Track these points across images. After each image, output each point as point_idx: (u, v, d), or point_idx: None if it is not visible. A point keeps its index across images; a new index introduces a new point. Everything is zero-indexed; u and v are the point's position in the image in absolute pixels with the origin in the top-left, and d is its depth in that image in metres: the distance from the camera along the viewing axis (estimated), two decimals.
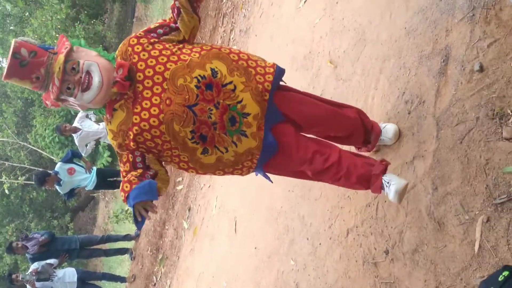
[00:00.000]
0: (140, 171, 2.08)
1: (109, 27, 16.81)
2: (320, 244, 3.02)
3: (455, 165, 2.11)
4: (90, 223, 15.38)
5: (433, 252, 2.14)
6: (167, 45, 2.04)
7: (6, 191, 13.92)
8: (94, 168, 7.09)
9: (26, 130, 17.38)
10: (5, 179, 13.82)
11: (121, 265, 9.93)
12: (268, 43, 4.55)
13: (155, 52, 2.00)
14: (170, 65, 1.98)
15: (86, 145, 6.99)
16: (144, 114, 1.98)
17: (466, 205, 2.01)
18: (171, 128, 1.99)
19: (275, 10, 4.62)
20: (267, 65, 2.14)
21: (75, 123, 6.92)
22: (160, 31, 2.09)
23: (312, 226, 3.15)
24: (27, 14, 15.01)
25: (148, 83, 1.98)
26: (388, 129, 2.48)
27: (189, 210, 6.32)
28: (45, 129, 14.94)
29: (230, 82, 2.01)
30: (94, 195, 15.66)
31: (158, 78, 1.97)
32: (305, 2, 3.89)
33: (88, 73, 1.96)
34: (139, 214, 2.02)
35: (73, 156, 6.79)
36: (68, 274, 6.67)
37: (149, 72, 1.98)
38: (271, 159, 2.17)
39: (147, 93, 1.98)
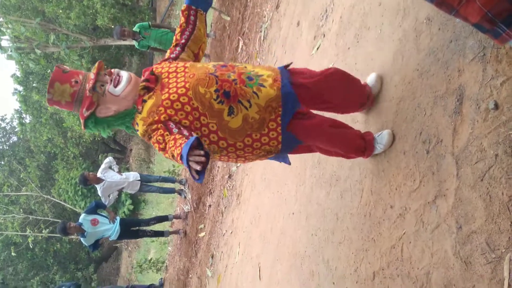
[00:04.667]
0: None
1: None
2: None
3: (478, 203, 2.10)
4: (114, 273, 15.35)
5: None
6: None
7: (31, 245, 14.04)
8: (118, 217, 7.16)
9: (50, 183, 17.72)
10: (29, 232, 13.98)
11: None
12: None
13: (173, 63, 2.45)
14: (188, 63, 2.42)
15: (109, 196, 7.09)
16: (172, 89, 2.29)
17: (492, 243, 1.99)
18: (197, 91, 2.25)
19: (288, 57, 4.74)
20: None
21: (99, 174, 7.05)
22: (173, 55, 2.53)
23: (338, 270, 3.12)
24: (49, 71, 15.59)
25: (172, 74, 2.36)
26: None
27: (212, 257, 6.30)
28: (68, 183, 15.20)
29: (241, 65, 2.44)
30: (117, 245, 15.70)
31: (179, 69, 2.37)
32: (317, 48, 3.99)
33: (119, 74, 2.35)
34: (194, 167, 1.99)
35: (97, 207, 6.88)
36: None
37: (171, 68, 2.39)
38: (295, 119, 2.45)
39: (172, 79, 2.34)
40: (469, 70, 2.29)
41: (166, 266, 8.73)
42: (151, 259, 9.03)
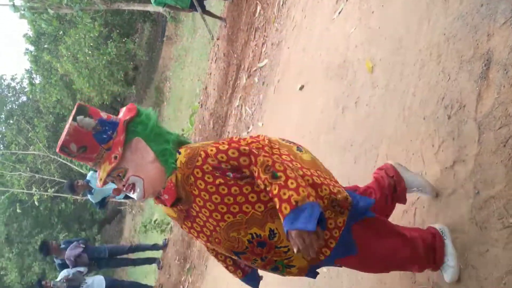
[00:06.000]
0: None
1: (140, 46, 17.26)
2: None
3: (499, 168, 2.07)
4: (117, 235, 15.55)
5: (474, 256, 2.10)
6: (232, 190, 1.79)
7: (36, 203, 14.19)
8: None
9: (57, 144, 17.77)
10: (35, 190, 14.10)
11: (147, 277, 9.97)
12: (301, 54, 4.59)
13: (216, 198, 1.79)
14: (228, 217, 1.82)
15: None
16: (193, 232, 1.94)
17: (511, 209, 1.97)
18: (215, 250, 2.05)
19: (308, 22, 4.67)
20: (338, 223, 1.92)
21: None
22: (230, 174, 1.79)
23: None
24: (61, 32, 15.50)
25: (202, 217, 1.86)
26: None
27: None
28: None
29: (286, 246, 1.87)
30: (121, 208, 15.85)
31: (212, 222, 1.85)
32: (339, 13, 3.92)
33: (133, 185, 1.85)
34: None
35: None
36: (97, 282, 6.73)
37: (205, 212, 1.83)
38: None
39: (199, 221, 1.88)
40: (499, 34, 2.24)
41: (171, 226, 8.79)
42: (155, 220, 9.10)
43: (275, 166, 1.72)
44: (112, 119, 1.85)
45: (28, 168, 16.57)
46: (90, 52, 13.38)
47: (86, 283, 6.50)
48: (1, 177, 18.18)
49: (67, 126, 1.80)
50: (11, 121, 20.65)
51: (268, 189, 1.71)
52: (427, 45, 2.71)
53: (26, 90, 20.50)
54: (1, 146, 21.27)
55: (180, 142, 1.95)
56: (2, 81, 23.10)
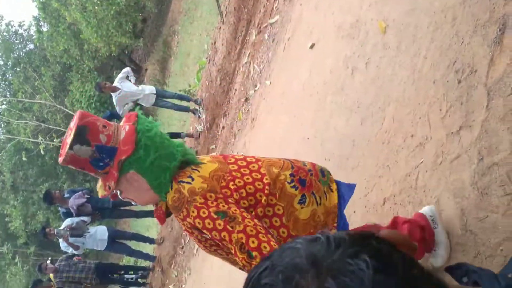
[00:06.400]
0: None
1: None
2: (354, 212, 3.02)
3: (504, 135, 2.06)
4: None
5: (474, 222, 2.12)
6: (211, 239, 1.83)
7: (42, 152, 14.29)
8: None
9: (63, 94, 17.77)
10: (41, 140, 14.17)
11: (149, 230, 10.15)
12: (313, 12, 4.50)
13: (199, 240, 1.89)
14: (215, 249, 1.90)
15: (124, 106, 7.05)
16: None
17: None
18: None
19: None
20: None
21: (115, 83, 7.00)
22: (207, 236, 1.79)
23: None
24: None
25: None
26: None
27: None
28: (82, 95, 15.23)
29: None
30: None
31: (201, 245, 1.95)
32: None
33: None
34: None
35: (112, 117, 6.89)
36: (100, 231, 6.86)
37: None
38: None
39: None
40: None
41: None
42: None
43: (249, 243, 1.66)
44: (111, 143, 1.79)
45: (34, 117, 16.63)
46: (99, 1, 13.15)
47: (89, 232, 6.63)
48: (7, 125, 18.31)
49: (64, 151, 1.77)
50: (18, 69, 20.55)
51: (246, 269, 1.68)
52: (442, 7, 2.65)
53: (33, 37, 20.29)
54: (8, 93, 21.28)
55: (185, 162, 1.91)
56: (10, 27, 22.84)
